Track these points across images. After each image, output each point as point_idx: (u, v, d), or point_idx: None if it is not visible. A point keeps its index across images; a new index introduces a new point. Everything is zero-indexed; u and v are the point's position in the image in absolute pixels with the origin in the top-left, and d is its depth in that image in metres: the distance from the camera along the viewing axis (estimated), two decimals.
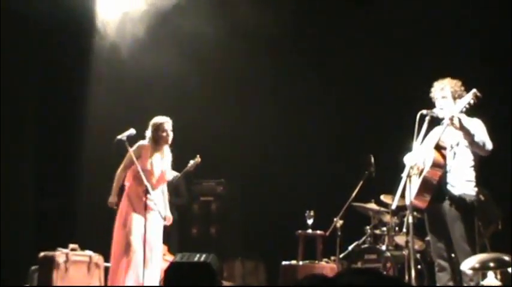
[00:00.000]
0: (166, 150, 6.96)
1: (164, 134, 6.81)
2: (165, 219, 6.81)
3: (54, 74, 9.22)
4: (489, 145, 5.44)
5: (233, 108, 9.13)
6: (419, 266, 6.91)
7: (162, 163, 6.86)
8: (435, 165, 5.47)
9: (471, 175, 5.52)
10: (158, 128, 6.83)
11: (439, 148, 5.52)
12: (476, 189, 5.51)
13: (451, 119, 5.33)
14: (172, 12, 8.98)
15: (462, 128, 5.36)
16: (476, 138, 5.40)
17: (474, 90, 5.35)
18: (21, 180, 9.08)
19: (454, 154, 5.53)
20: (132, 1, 9.13)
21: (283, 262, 7.77)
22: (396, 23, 8.57)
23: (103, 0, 9.22)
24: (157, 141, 6.83)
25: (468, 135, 5.40)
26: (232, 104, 9.08)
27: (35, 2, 8.42)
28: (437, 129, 5.68)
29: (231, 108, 9.14)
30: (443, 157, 5.51)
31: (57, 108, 9.27)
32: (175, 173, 7.66)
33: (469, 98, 5.34)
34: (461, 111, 5.37)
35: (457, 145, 5.54)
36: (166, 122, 6.85)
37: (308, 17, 9.21)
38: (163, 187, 6.97)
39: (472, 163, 5.53)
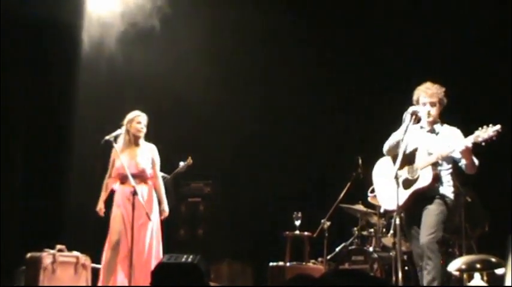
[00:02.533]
0: (144, 147, 6.99)
1: (138, 125, 6.93)
2: (161, 214, 6.91)
3: (42, 73, 9.18)
4: (477, 163, 5.52)
5: (220, 109, 9.13)
6: (406, 268, 6.94)
7: (137, 159, 6.89)
8: (434, 180, 5.55)
9: (449, 180, 5.64)
10: (132, 120, 6.96)
11: (435, 164, 5.58)
12: (453, 194, 5.63)
13: (467, 146, 5.30)
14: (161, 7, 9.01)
15: (471, 159, 5.41)
16: (476, 165, 5.47)
17: (499, 126, 5.21)
18: (8, 180, 9.03)
19: (438, 163, 5.61)
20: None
21: (271, 263, 7.79)
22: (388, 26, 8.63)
23: None
24: (130, 134, 6.92)
25: (473, 163, 5.44)
26: (220, 104, 9.07)
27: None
28: (419, 134, 5.73)
29: (218, 109, 9.13)
30: (437, 170, 5.59)
31: (45, 108, 9.23)
32: (162, 174, 7.66)
33: (492, 133, 5.20)
34: (476, 143, 5.33)
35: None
36: (140, 115, 6.98)
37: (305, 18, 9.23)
38: (158, 183, 7.02)
39: (451, 170, 5.66)
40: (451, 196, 5.63)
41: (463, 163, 5.52)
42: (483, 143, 5.23)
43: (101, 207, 6.92)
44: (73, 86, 9.37)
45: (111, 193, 6.97)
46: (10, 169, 9.08)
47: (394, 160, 5.59)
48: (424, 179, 5.55)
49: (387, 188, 5.72)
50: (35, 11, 8.47)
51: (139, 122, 6.97)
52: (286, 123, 9.22)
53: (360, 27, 8.88)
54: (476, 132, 5.28)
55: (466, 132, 5.47)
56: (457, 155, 5.50)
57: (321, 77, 9.09)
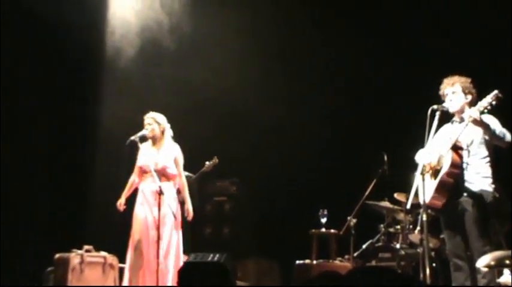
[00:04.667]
0: (167, 146, 7.02)
1: (145, 126, 7.01)
2: (187, 213, 6.96)
3: (66, 74, 9.27)
4: (509, 136, 5.42)
5: (246, 107, 9.12)
6: (434, 265, 6.88)
7: (158, 157, 6.92)
8: (453, 166, 5.46)
9: (487, 171, 5.51)
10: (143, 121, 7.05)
11: (456, 148, 5.50)
12: (493, 185, 5.49)
13: (472, 116, 5.27)
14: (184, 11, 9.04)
15: (482, 123, 5.33)
16: (497, 131, 5.38)
17: (496, 91, 5.25)
18: (36, 182, 9.13)
19: (469, 152, 5.51)
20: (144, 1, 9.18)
21: (297, 261, 7.77)
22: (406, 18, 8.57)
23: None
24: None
25: (488, 129, 5.37)
26: (245, 103, 9.07)
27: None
28: (449, 128, 5.67)
29: (243, 107, 9.13)
30: (460, 156, 5.50)
31: (70, 110, 9.32)
32: (187, 173, 7.69)
33: (490, 99, 5.25)
34: (482, 113, 5.31)
35: (471, 142, 5.53)
36: (146, 116, 7.05)
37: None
38: (182, 182, 7.05)
39: (488, 159, 5.52)
40: (490, 188, 5.45)
41: (486, 136, 5.42)
42: (488, 108, 5.21)
43: (121, 202, 6.96)
44: (98, 85, 9.45)
45: (135, 192, 7.00)
46: (36, 171, 9.18)
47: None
48: (445, 165, 5.48)
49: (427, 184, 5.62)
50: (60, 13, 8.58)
51: (145, 123, 7.02)
52: (311, 120, 9.18)
53: (390, 23, 8.82)
54: (479, 103, 5.29)
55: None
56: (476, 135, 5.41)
57: (344, 72, 9.05)
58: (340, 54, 8.96)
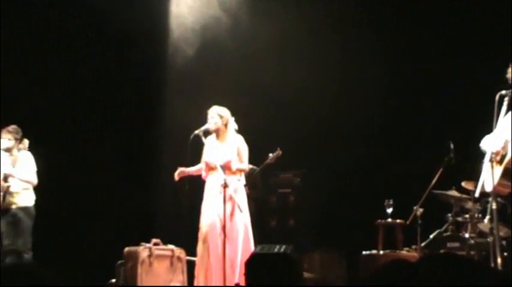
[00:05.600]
0: (231, 139, 7.06)
1: (208, 121, 7.04)
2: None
3: (132, 73, 9.46)
4: None
5: (309, 99, 9.10)
6: (505, 254, 6.72)
7: (222, 151, 6.97)
8: None
9: None
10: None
11: None
12: None
13: None
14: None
15: None
16: None
17: None
18: (106, 178, 9.35)
19: None
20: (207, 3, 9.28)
21: (363, 252, 7.72)
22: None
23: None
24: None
25: None
26: (308, 95, 9.05)
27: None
28: None
29: (306, 99, 9.11)
30: None
31: (135, 108, 9.51)
32: (251, 166, 7.73)
33: None
34: None
35: None
36: (209, 110, 7.08)
37: None
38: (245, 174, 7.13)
39: None
40: None
41: None
42: None
43: (180, 171, 7.02)
44: (162, 84, 9.60)
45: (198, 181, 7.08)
46: (106, 167, 9.39)
47: None
48: (510, 151, 5.35)
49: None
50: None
51: (208, 117, 7.07)
52: (375, 109, 9.08)
53: (457, 7, 8.66)
54: None
55: None
56: None
57: (407, 60, 8.92)
58: (407, 36, 8.84)
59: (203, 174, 7.12)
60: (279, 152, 8.32)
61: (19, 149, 7.64)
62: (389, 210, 7.71)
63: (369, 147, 9.05)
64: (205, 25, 9.28)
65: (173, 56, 9.44)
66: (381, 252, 7.66)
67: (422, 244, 7.58)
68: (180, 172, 7.03)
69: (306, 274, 7.99)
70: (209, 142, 7.09)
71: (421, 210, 7.49)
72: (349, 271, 8.65)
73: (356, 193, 8.88)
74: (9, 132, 7.62)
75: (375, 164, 8.90)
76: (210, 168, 7.04)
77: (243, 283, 6.23)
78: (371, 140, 9.08)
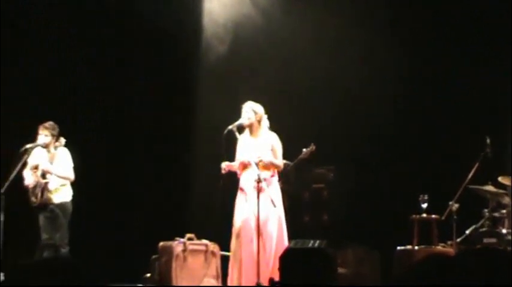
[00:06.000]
0: (265, 135, 7.06)
1: (242, 116, 7.04)
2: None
3: (165, 70, 9.53)
4: None
5: (343, 94, 9.07)
6: None
7: (256, 147, 6.98)
8: None
9: None
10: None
11: None
12: None
13: None
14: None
15: None
16: None
17: None
18: (141, 173, 9.43)
19: None
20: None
21: (398, 247, 7.67)
22: None
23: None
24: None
25: None
26: (342, 90, 9.02)
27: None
28: None
29: (340, 94, 9.08)
30: None
31: (170, 104, 9.57)
32: (285, 161, 7.73)
33: None
34: None
35: None
36: (243, 105, 7.08)
37: None
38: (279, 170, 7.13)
39: None
40: None
41: None
42: None
43: (227, 165, 7.02)
44: (196, 80, 9.65)
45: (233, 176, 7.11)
46: (141, 162, 9.47)
47: None
48: None
49: None
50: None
51: (242, 112, 7.08)
52: (409, 102, 9.02)
53: None
54: None
55: None
56: None
57: (443, 52, 8.83)
58: (451, 32, 8.76)
59: (238, 171, 7.14)
60: (312, 147, 8.30)
61: (56, 147, 7.74)
62: (424, 205, 7.65)
63: (404, 141, 8.99)
64: (238, 22, 9.31)
65: (206, 53, 9.48)
66: (416, 247, 7.60)
67: (458, 240, 7.51)
68: (227, 165, 7.05)
69: (339, 269, 7.97)
70: (243, 138, 7.11)
71: (456, 205, 7.41)
72: (383, 266, 8.61)
73: (390, 188, 8.82)
74: (46, 128, 7.72)
75: (410, 159, 8.83)
76: (244, 165, 7.04)
77: (277, 278, 6.24)
78: (406, 134, 9.01)
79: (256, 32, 9.22)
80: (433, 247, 7.60)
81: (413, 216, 7.74)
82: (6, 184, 7.29)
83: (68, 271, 1.68)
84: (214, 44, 9.39)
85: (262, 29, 9.22)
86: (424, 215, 7.68)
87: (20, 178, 7.64)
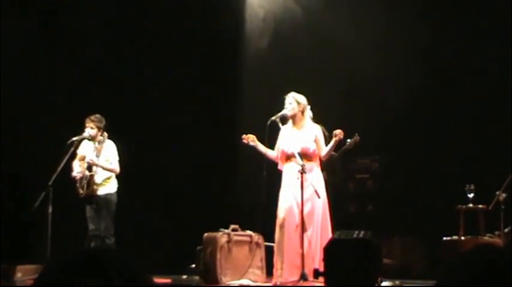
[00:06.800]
0: (308, 127, 7.03)
1: (285, 107, 7.01)
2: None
3: (208, 61, 9.59)
4: None
5: (385, 83, 8.99)
6: None
7: (299, 138, 6.96)
8: None
9: None
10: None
11: None
12: None
13: None
14: None
15: None
16: None
17: None
18: (184, 165, 9.51)
19: None
20: None
21: (444, 238, 7.60)
22: None
23: None
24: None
25: None
26: (384, 80, 8.94)
27: None
28: None
29: (382, 84, 9.00)
30: None
31: (214, 95, 9.63)
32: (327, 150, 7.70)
33: None
34: None
35: None
36: (286, 96, 7.04)
37: None
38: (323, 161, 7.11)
39: None
40: None
41: None
42: None
43: (250, 137, 7.05)
44: (237, 73, 9.69)
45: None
46: (186, 154, 9.55)
47: None
48: None
49: None
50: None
51: (286, 103, 7.06)
52: (456, 92, 8.90)
53: None
54: None
55: None
56: None
57: (498, 42, 8.68)
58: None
59: (279, 163, 7.12)
60: (356, 137, 8.24)
61: (100, 141, 7.84)
62: (471, 195, 7.56)
63: (449, 131, 8.87)
64: (279, 16, 9.32)
65: (247, 46, 9.51)
66: (462, 237, 7.52)
67: (506, 230, 7.39)
68: (251, 139, 7.05)
69: (385, 260, 7.93)
70: (285, 129, 7.10)
71: (504, 195, 7.30)
72: (429, 256, 8.54)
73: (436, 178, 8.73)
74: (92, 121, 7.83)
75: (457, 148, 8.71)
76: (286, 157, 7.03)
77: (321, 269, 6.23)
78: (452, 123, 8.90)
79: (297, 26, 9.21)
80: (480, 237, 7.51)
81: (460, 206, 7.66)
82: (54, 175, 7.43)
83: (112, 262, 1.69)
84: (255, 37, 9.42)
85: (303, 21, 9.21)
86: (471, 205, 7.59)
87: (69, 169, 7.79)
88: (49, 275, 1.64)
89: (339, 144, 7.23)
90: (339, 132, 6.77)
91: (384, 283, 6.01)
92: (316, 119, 7.19)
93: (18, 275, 8.09)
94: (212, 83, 9.64)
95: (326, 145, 7.01)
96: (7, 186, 9.52)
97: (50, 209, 7.39)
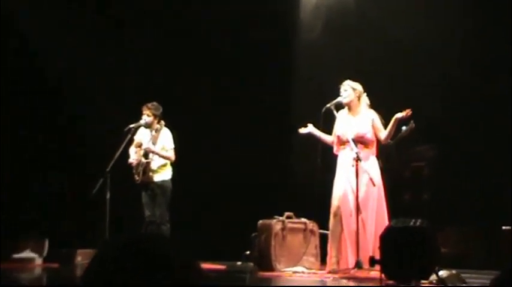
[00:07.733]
0: (364, 113, 6.97)
1: (341, 94, 6.99)
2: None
3: (259, 50, 9.59)
4: None
5: (445, 71, 8.83)
6: None
7: (355, 125, 6.89)
8: None
9: None
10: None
11: None
12: None
13: None
14: None
15: None
16: None
17: None
18: (239, 153, 9.54)
19: None
20: None
21: (503, 227, 7.43)
22: None
23: None
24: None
25: None
26: (443, 69, 8.78)
27: None
28: None
29: (441, 72, 8.84)
30: None
31: (267, 84, 9.63)
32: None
33: None
34: None
35: None
36: (342, 84, 7.05)
37: None
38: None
39: None
40: None
41: None
42: None
43: (309, 130, 7.06)
44: (291, 58, 9.65)
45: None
46: (240, 142, 9.58)
47: None
48: None
49: None
50: None
51: (341, 90, 7.02)
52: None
53: None
54: None
55: None
56: None
57: None
58: None
59: (334, 148, 7.10)
60: (412, 125, 8.10)
61: (157, 129, 7.93)
62: None
63: (502, 117, 8.66)
64: (331, 4, 9.26)
65: (300, 33, 9.48)
66: None
67: None
68: (307, 130, 7.06)
69: (441, 249, 7.81)
70: (341, 116, 7.06)
71: None
72: (488, 245, 8.36)
73: (495, 166, 8.53)
74: (149, 108, 7.94)
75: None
76: (341, 142, 7.00)
77: (377, 257, 6.18)
78: (509, 110, 8.68)
79: (349, 14, 9.12)
80: None
81: None
82: (112, 162, 7.56)
83: (154, 248, 1.69)
84: (308, 24, 9.36)
85: (355, 10, 9.12)
86: None
87: (126, 156, 7.92)
88: (99, 260, 1.67)
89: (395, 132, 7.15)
90: (407, 111, 6.71)
91: (440, 272, 5.91)
92: (373, 105, 7.12)
93: (79, 259, 8.32)
94: (266, 70, 9.63)
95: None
96: (71, 173, 9.78)
97: (108, 195, 7.53)
